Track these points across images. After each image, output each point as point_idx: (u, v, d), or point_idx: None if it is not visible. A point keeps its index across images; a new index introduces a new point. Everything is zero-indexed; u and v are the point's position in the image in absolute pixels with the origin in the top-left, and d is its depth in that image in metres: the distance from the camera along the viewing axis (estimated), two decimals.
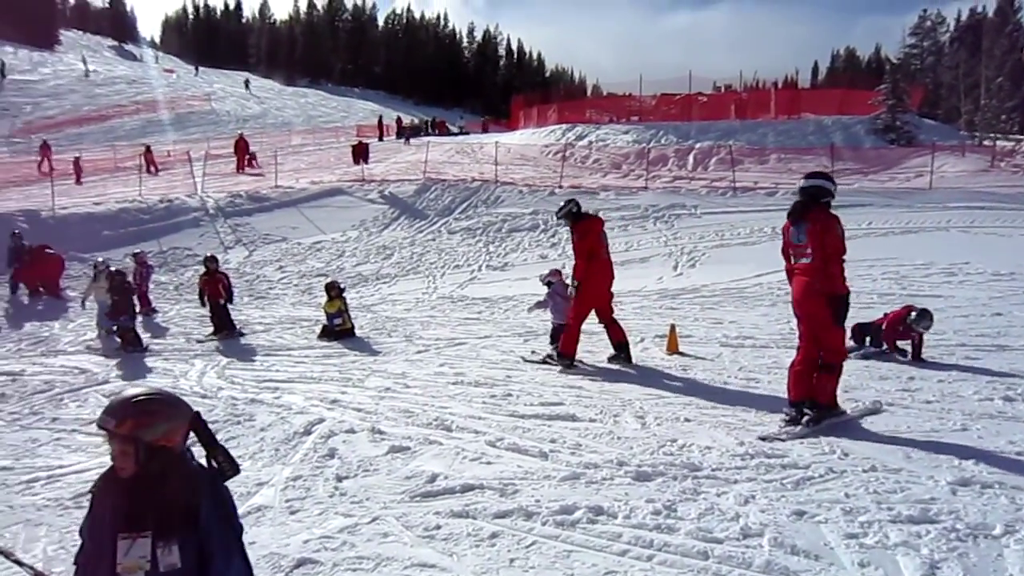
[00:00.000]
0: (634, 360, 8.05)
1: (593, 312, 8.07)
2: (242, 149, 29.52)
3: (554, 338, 8.61)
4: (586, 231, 8.02)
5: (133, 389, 2.11)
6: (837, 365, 5.60)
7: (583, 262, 7.83)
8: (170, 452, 2.07)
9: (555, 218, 8.63)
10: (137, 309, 12.62)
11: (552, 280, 8.86)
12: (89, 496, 2.20)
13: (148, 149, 30.73)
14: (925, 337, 7.77)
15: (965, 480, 4.25)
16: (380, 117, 48.05)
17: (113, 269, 11.04)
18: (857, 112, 29.94)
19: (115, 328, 10.05)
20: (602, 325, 8.16)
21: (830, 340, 5.47)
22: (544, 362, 8.34)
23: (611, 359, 8.15)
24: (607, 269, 8.12)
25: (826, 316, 5.37)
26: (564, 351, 8.00)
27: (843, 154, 25.42)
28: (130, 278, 12.69)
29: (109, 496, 2.09)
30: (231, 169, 28.81)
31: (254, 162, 29.65)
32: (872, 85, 31.94)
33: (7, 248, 14.63)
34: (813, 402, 5.55)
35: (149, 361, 9.28)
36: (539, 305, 9.22)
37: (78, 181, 26.93)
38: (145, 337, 11.09)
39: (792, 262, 5.62)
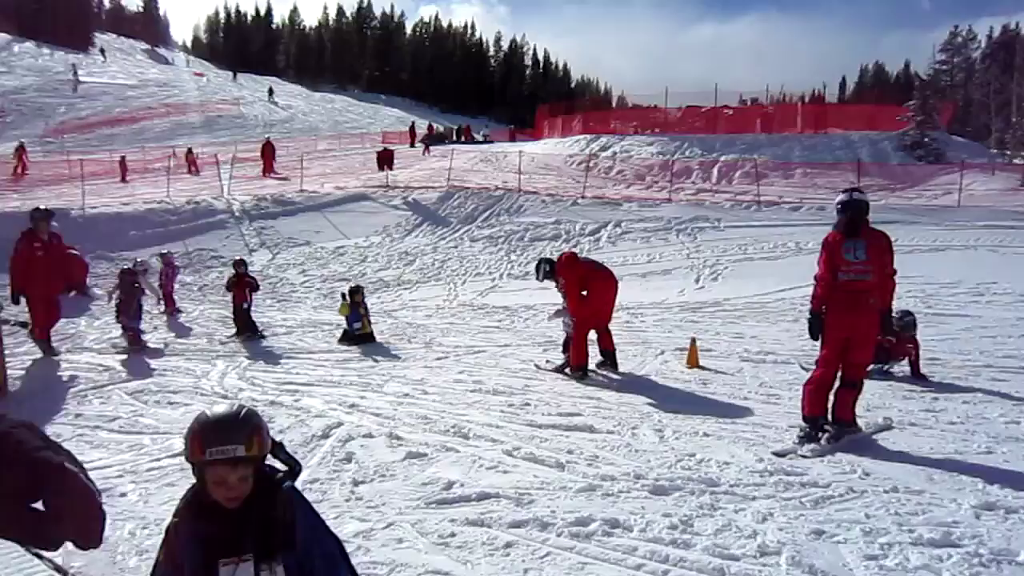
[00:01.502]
0: (649, 372, 8.08)
1: None
2: (268, 154, 29.88)
3: (566, 347, 8.68)
4: (565, 269, 8.42)
5: (217, 409, 1.90)
6: (860, 382, 5.62)
7: (575, 299, 8.24)
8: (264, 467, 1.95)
9: (539, 280, 8.96)
10: (162, 308, 12.84)
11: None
12: (165, 531, 2.01)
13: (190, 151, 32.15)
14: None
15: (989, 504, 4.17)
16: (412, 124, 48.38)
17: (125, 268, 11.15)
18: (885, 128, 29.65)
19: (123, 328, 10.16)
20: (595, 333, 8.46)
21: (863, 356, 5.54)
22: (557, 371, 8.44)
23: (598, 365, 8.45)
24: (610, 284, 8.44)
25: (875, 333, 5.52)
26: (576, 363, 8.20)
27: (870, 170, 25.18)
28: (154, 278, 12.92)
29: (200, 526, 1.90)
30: (257, 173, 29.15)
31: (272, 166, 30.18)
32: (901, 101, 31.62)
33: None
34: (834, 419, 5.52)
35: (172, 360, 9.38)
36: (558, 314, 9.23)
37: (123, 179, 27.96)
38: (169, 336, 11.24)
39: (839, 278, 5.52)
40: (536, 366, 8.72)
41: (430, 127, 49.15)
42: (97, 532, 1.84)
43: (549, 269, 8.62)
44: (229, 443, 1.79)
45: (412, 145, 39.42)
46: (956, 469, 4.78)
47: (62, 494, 1.75)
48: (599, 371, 8.35)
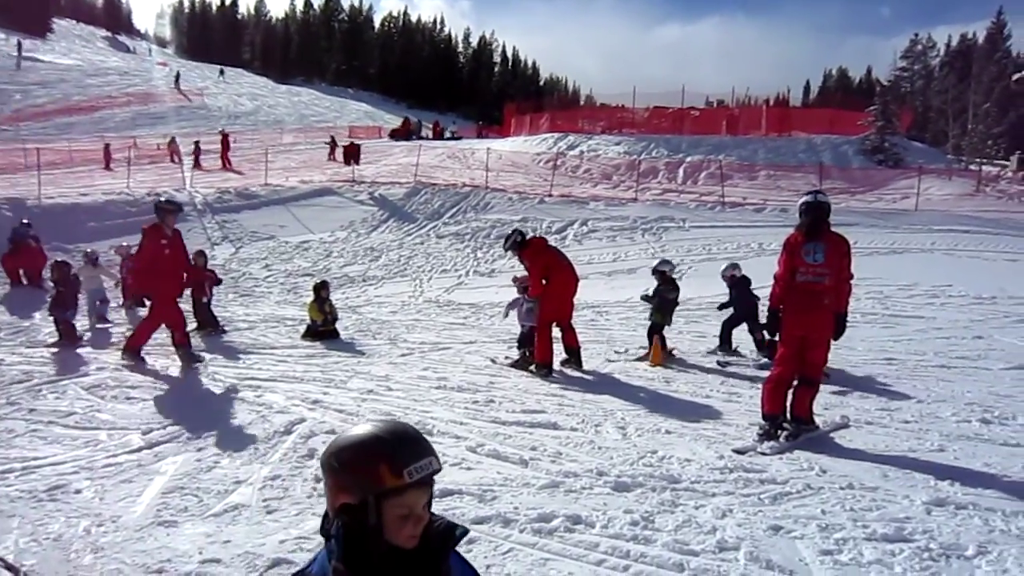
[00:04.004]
0: (613, 371, 8.13)
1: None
2: (224, 145, 29.56)
3: (520, 343, 8.76)
4: (534, 252, 8.48)
5: (378, 424, 1.48)
6: (817, 381, 5.74)
7: (537, 284, 8.28)
8: None
9: (505, 250, 9.03)
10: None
11: (526, 284, 8.90)
12: None
13: (172, 140, 31.48)
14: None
15: (940, 500, 4.28)
16: (406, 118, 49.13)
17: (59, 259, 10.88)
18: (847, 132, 30.26)
19: (56, 321, 9.79)
20: (559, 330, 8.49)
21: (818, 356, 5.63)
22: (514, 365, 8.54)
23: (563, 363, 8.51)
24: (570, 279, 8.46)
25: (829, 334, 5.59)
26: (541, 360, 8.23)
27: (831, 173, 25.69)
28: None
29: None
30: (218, 165, 28.74)
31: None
32: (862, 106, 32.26)
33: (10, 233, 14.47)
34: (792, 416, 5.63)
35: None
36: (510, 306, 9.32)
37: (107, 167, 27.59)
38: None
39: (797, 279, 5.63)
40: (492, 360, 8.82)
41: (405, 121, 49.35)
42: None
43: (519, 241, 8.57)
44: (425, 455, 1.43)
45: (408, 138, 40.14)
46: (909, 466, 4.90)
47: None
48: (564, 369, 8.40)
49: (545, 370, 8.14)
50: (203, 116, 53.38)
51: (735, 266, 9.69)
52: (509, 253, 9.10)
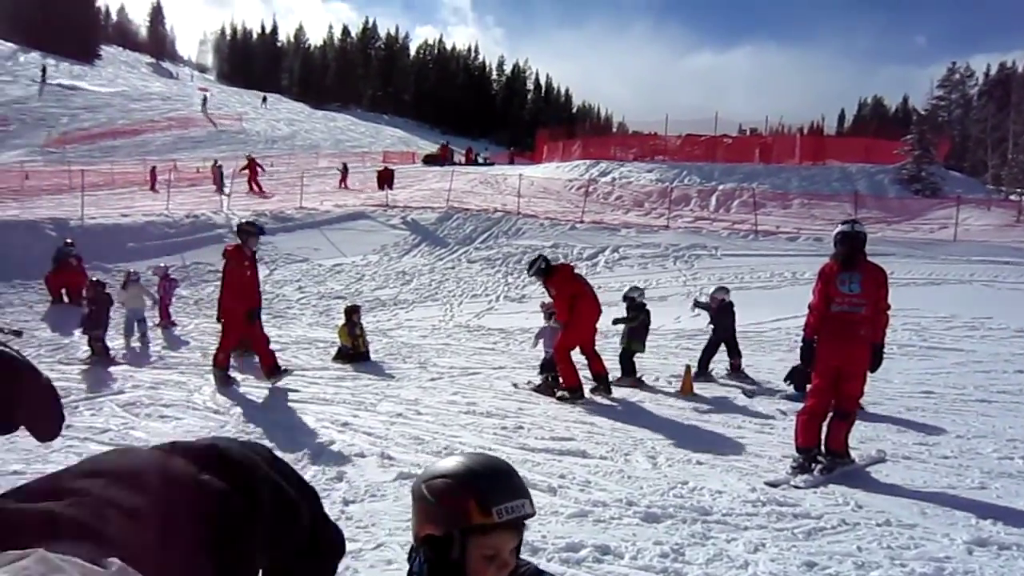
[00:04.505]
0: (643, 399, 8.05)
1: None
2: (252, 170, 30.06)
3: (543, 368, 8.76)
4: (562, 280, 8.48)
5: (472, 457, 1.45)
6: (852, 413, 5.64)
7: (565, 309, 8.26)
8: None
9: (527, 275, 9.10)
10: (157, 320, 12.80)
11: (553, 311, 8.94)
12: None
13: (216, 164, 31.84)
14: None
15: (982, 540, 4.16)
16: (446, 143, 51.25)
17: (94, 279, 11.16)
18: (883, 161, 29.87)
19: (89, 339, 10.07)
20: (584, 356, 8.47)
21: (853, 388, 5.54)
22: (537, 390, 8.54)
23: (593, 391, 8.43)
24: (594, 306, 8.47)
25: (865, 365, 5.50)
26: (569, 385, 8.20)
27: (867, 202, 25.33)
28: (153, 289, 12.92)
29: None
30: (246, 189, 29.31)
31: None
32: (899, 135, 31.88)
33: (54, 252, 14.93)
34: (826, 449, 5.52)
35: (164, 374, 9.33)
36: (539, 336, 9.34)
37: (152, 188, 28.25)
38: (160, 349, 11.20)
39: (832, 309, 5.56)
40: (514, 385, 8.80)
41: (443, 146, 50.22)
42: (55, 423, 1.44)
43: (544, 268, 8.60)
44: (518, 497, 1.38)
45: (445, 164, 40.43)
46: (949, 504, 4.77)
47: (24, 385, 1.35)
48: (594, 396, 8.34)
49: (577, 394, 8.10)
50: (241, 140, 54.53)
51: (725, 290, 10.05)
52: (534, 278, 9.14)
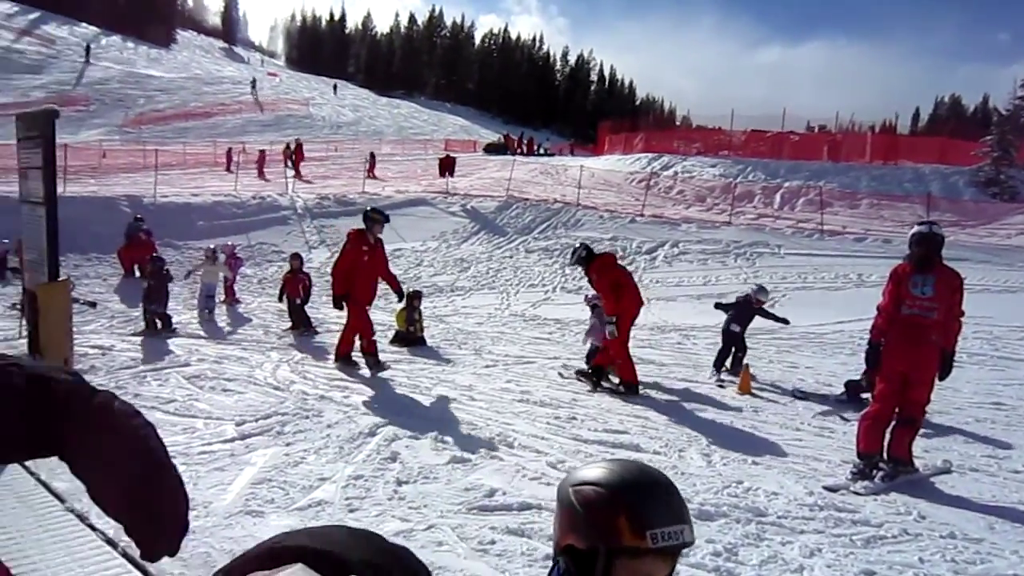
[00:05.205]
0: (700, 396, 7.95)
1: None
2: (299, 154, 30.55)
3: (589, 358, 8.82)
4: (602, 267, 8.39)
5: (636, 469, 1.27)
6: (918, 420, 5.46)
7: (612, 297, 8.09)
8: None
9: (568, 264, 9.07)
10: (223, 298, 13.17)
11: (597, 303, 8.88)
12: None
13: (288, 146, 32.42)
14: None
15: None
16: (507, 134, 51.24)
17: (154, 255, 11.56)
18: (958, 163, 28.68)
19: (148, 313, 10.45)
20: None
21: (920, 394, 5.35)
22: (584, 376, 8.51)
23: (579, 374, 8.54)
24: (636, 298, 8.38)
25: (933, 372, 5.35)
26: (627, 380, 8.12)
27: (940, 204, 24.39)
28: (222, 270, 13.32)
29: None
30: (321, 172, 29.77)
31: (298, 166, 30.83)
32: (977, 136, 30.55)
33: (125, 228, 15.60)
34: (890, 457, 5.36)
35: (228, 349, 9.60)
36: (589, 333, 9.30)
37: (228, 168, 28.89)
38: (224, 325, 11.53)
39: (902, 312, 5.39)
40: (559, 374, 8.83)
41: (506, 136, 50.33)
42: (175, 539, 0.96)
43: (585, 256, 8.57)
44: (678, 522, 1.19)
45: (514, 154, 40.50)
46: (1019, 520, 4.59)
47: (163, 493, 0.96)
48: (648, 391, 8.24)
49: (635, 389, 8.04)
50: (307, 125, 55.61)
51: (766, 292, 10.27)
52: (575, 266, 9.13)
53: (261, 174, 28.74)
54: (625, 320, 8.21)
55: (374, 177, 29.40)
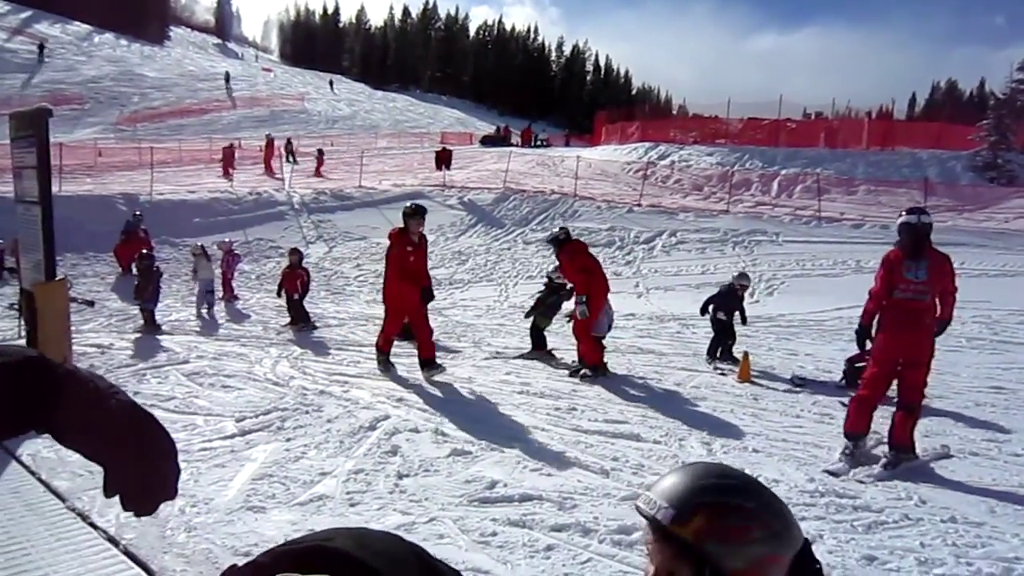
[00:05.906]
0: (699, 384, 7.97)
1: (570, 327, 8.71)
2: (319, 158, 30.42)
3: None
4: (573, 252, 8.53)
5: (699, 473, 1.07)
6: (917, 405, 5.47)
7: (582, 278, 8.31)
8: None
9: (545, 242, 9.17)
10: (220, 295, 13.16)
11: (555, 279, 9.44)
12: None
13: (289, 141, 32.45)
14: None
15: None
16: (506, 126, 51.21)
17: (143, 252, 11.56)
18: (955, 147, 28.61)
19: (141, 309, 10.48)
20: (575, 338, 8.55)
21: (917, 377, 5.38)
22: (575, 374, 8.45)
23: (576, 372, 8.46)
24: (604, 283, 8.54)
25: (929, 355, 5.42)
26: (592, 363, 8.27)
27: (937, 190, 24.37)
28: (216, 265, 13.30)
29: None
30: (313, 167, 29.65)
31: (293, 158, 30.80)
32: (973, 120, 30.47)
33: (123, 225, 15.60)
34: (891, 445, 5.38)
35: (227, 346, 9.60)
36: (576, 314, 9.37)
37: (230, 168, 28.03)
38: (223, 322, 11.52)
39: (895, 296, 5.42)
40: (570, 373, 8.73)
41: (504, 128, 50.45)
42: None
43: (563, 239, 8.68)
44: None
45: (519, 145, 40.69)
46: (1020, 503, 4.60)
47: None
48: (646, 380, 8.25)
49: (602, 370, 8.22)
50: (303, 120, 55.43)
51: (747, 277, 10.49)
52: (549, 246, 9.38)
53: (227, 173, 27.20)
54: (596, 307, 8.31)
55: (321, 176, 28.08)
